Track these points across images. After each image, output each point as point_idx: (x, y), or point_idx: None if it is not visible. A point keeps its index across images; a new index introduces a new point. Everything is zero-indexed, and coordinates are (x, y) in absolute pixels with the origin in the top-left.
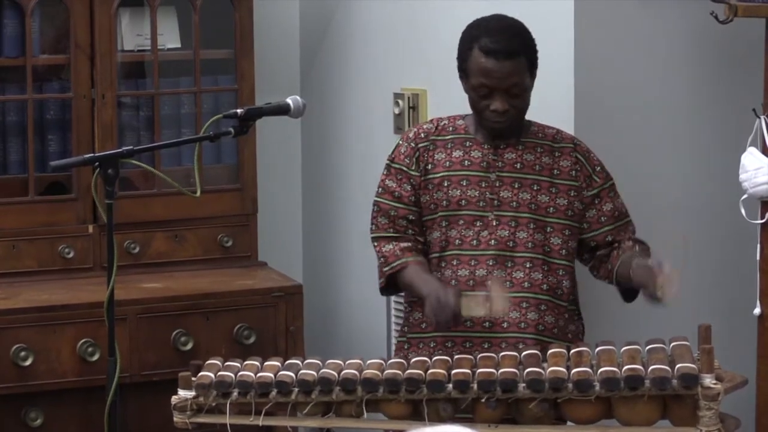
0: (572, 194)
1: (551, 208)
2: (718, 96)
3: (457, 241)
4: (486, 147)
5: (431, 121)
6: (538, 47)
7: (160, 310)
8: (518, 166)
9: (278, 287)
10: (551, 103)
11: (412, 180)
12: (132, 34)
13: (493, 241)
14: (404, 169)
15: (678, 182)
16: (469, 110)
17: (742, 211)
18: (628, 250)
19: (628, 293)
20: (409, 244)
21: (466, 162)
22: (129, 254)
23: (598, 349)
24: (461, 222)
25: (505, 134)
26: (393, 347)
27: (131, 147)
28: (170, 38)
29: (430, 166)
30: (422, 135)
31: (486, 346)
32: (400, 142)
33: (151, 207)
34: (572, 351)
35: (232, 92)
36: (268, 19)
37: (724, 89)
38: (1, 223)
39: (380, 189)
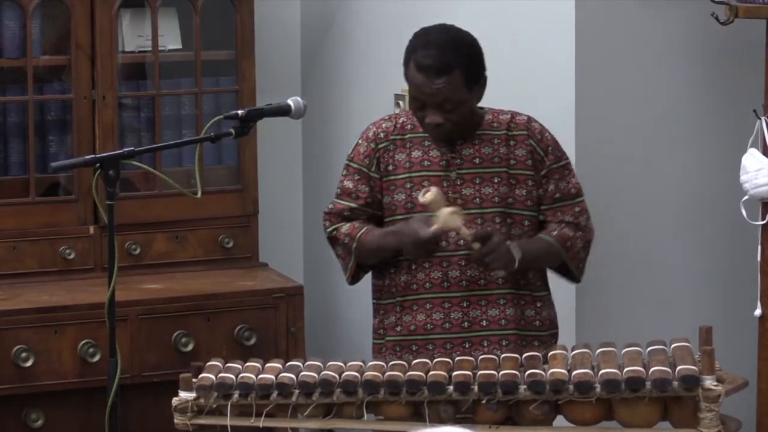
0: (530, 184)
1: (511, 199)
2: (718, 97)
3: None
4: (443, 145)
5: (390, 118)
6: (539, 48)
7: (160, 311)
8: (477, 161)
9: (279, 288)
10: (551, 103)
11: (371, 181)
12: (133, 35)
13: (462, 240)
14: (363, 169)
15: (678, 183)
16: None
17: (743, 212)
18: (542, 231)
19: (561, 273)
20: (365, 221)
21: (426, 162)
22: (130, 255)
23: (599, 350)
24: None
25: (448, 140)
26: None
27: (132, 148)
28: (171, 39)
29: (391, 167)
30: (382, 135)
31: (467, 346)
32: (360, 141)
33: (152, 208)
34: (573, 353)
35: (233, 93)
36: (269, 20)
37: (725, 90)
38: (2, 224)
39: (338, 190)
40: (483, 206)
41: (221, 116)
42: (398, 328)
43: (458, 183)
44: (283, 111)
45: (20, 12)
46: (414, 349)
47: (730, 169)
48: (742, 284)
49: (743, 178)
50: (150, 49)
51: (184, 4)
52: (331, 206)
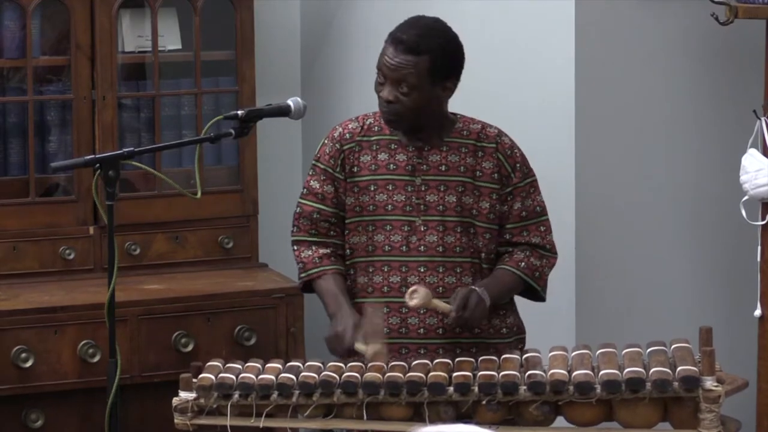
0: (494, 197)
1: (474, 211)
2: (718, 97)
3: (386, 246)
4: (410, 149)
5: (357, 119)
6: (539, 48)
7: (160, 312)
8: (443, 168)
9: (279, 288)
10: (551, 103)
11: (336, 182)
12: (133, 36)
13: (422, 246)
14: (329, 169)
15: (678, 183)
16: (469, 102)
17: (743, 212)
18: (509, 260)
19: (528, 295)
20: (328, 250)
21: (392, 166)
22: (130, 255)
23: (599, 351)
24: (388, 227)
25: (393, 126)
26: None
27: (132, 148)
28: (171, 39)
29: (356, 169)
30: (347, 136)
31: (422, 352)
32: (325, 141)
33: (152, 208)
34: (573, 353)
35: (233, 93)
36: (269, 20)
37: (725, 91)
38: (2, 225)
39: (305, 190)
40: (445, 214)
41: (221, 116)
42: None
43: (422, 189)
44: (283, 111)
45: (20, 12)
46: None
47: (729, 170)
48: (742, 285)
49: (743, 178)
50: (150, 49)
51: (183, 4)
52: (299, 209)
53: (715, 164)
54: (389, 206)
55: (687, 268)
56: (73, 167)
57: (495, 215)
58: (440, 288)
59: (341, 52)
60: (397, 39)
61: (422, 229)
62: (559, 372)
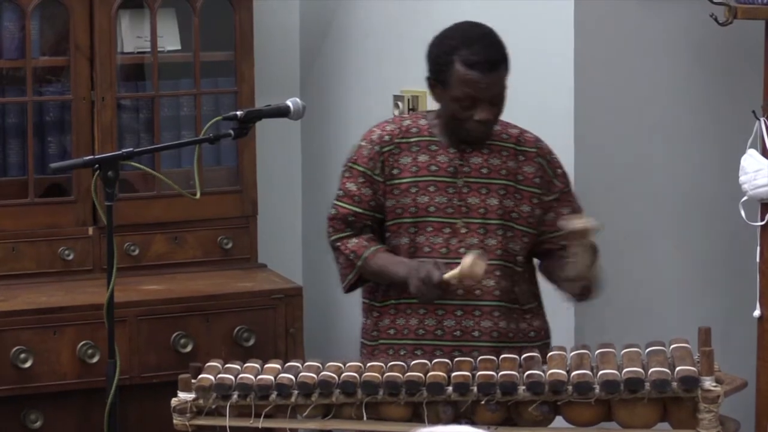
0: (534, 201)
1: (515, 214)
2: (717, 98)
3: (425, 248)
4: (452, 151)
5: (393, 120)
6: (538, 48)
7: (159, 312)
8: (485, 171)
9: (278, 289)
10: (551, 103)
11: (374, 185)
12: (132, 36)
13: (462, 249)
14: (367, 172)
15: (677, 184)
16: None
17: (742, 213)
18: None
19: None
20: (372, 235)
21: (433, 167)
22: (129, 256)
23: (598, 351)
24: (429, 229)
25: (481, 142)
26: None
27: (131, 149)
28: (170, 40)
29: (395, 171)
30: (386, 138)
31: (456, 355)
32: (362, 143)
33: (151, 209)
34: (572, 353)
35: (232, 94)
36: (268, 21)
37: (724, 91)
38: (1, 225)
39: (340, 192)
40: (487, 217)
41: (220, 117)
42: (391, 331)
43: (464, 191)
44: (282, 112)
45: (19, 13)
46: (402, 353)
47: (728, 170)
48: (741, 285)
49: (742, 179)
50: (149, 50)
51: (183, 5)
52: (334, 211)
53: (714, 165)
54: (431, 207)
55: (686, 268)
56: (72, 168)
57: (534, 219)
58: (478, 290)
59: (340, 53)
60: (477, 62)
61: (463, 231)
62: (558, 372)
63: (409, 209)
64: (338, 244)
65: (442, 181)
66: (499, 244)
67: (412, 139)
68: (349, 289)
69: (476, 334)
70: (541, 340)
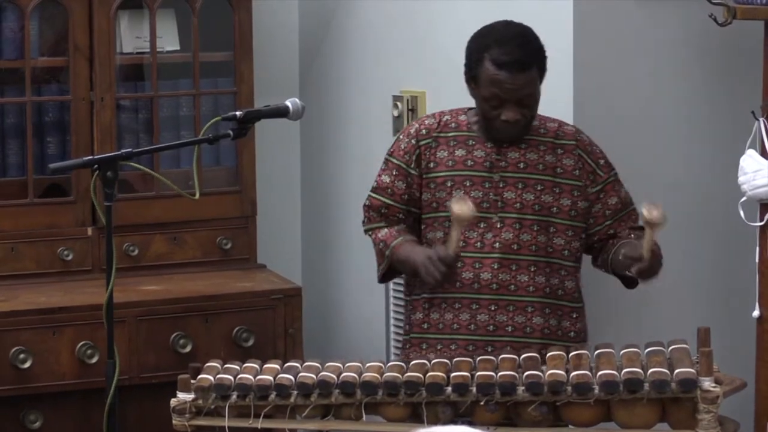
0: (576, 194)
1: (555, 209)
2: (716, 98)
3: (460, 242)
4: (489, 146)
5: (434, 115)
6: None
7: (159, 313)
8: (522, 166)
9: (277, 289)
10: (551, 104)
11: (409, 177)
12: (131, 37)
13: (497, 243)
14: (402, 165)
15: (677, 184)
16: (471, 104)
17: (741, 213)
18: (625, 238)
19: (627, 280)
20: (404, 225)
21: (469, 162)
22: (128, 256)
23: (597, 351)
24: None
25: (512, 140)
26: (392, 349)
27: (130, 149)
28: (169, 40)
29: (432, 165)
30: (424, 132)
31: (489, 350)
32: (401, 137)
33: (150, 209)
34: (571, 354)
35: (231, 95)
36: (267, 21)
37: (723, 91)
38: (1, 225)
39: (375, 183)
40: (522, 212)
41: (219, 117)
42: (425, 326)
43: (501, 186)
44: (281, 112)
45: (18, 13)
46: (439, 348)
47: (728, 171)
48: (741, 285)
49: (741, 179)
50: (148, 50)
51: (182, 5)
52: (367, 202)
53: (713, 165)
54: None
55: (685, 268)
56: (71, 168)
57: (577, 212)
58: (512, 286)
59: (339, 53)
60: (506, 63)
61: (498, 225)
62: (557, 372)
63: (444, 203)
64: (370, 234)
65: (478, 176)
66: (533, 239)
67: (450, 134)
68: (382, 278)
69: (509, 329)
70: (580, 341)
